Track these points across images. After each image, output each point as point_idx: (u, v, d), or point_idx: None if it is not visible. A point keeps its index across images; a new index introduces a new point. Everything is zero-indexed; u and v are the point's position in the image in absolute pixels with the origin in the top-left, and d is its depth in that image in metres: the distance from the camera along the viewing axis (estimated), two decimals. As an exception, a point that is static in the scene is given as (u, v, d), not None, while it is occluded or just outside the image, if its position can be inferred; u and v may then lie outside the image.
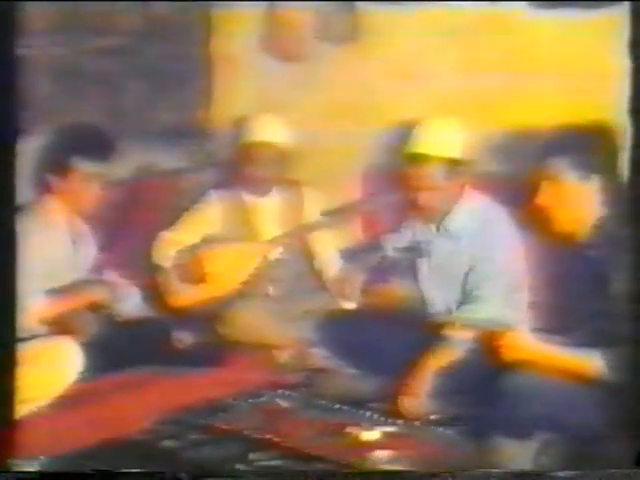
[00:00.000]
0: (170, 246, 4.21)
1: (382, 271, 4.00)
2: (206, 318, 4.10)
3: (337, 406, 3.81)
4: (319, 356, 3.99)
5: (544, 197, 3.39)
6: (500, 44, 4.06)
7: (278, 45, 4.47)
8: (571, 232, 3.37)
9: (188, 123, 4.49)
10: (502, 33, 4.06)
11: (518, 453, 3.25)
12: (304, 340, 4.03)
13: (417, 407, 3.64)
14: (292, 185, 4.30)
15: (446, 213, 3.83)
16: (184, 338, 4.02)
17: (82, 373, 3.57)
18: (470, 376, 3.52)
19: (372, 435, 3.54)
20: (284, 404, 3.83)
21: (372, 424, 3.62)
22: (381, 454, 3.43)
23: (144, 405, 3.65)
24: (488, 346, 3.40)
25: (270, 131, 4.22)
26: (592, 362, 3.21)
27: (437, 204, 3.81)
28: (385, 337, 3.81)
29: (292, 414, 3.76)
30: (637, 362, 3.27)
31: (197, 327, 4.07)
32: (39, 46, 3.84)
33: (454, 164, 3.77)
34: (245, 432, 3.57)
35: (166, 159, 4.42)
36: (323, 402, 3.84)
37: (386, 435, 3.56)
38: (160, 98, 4.42)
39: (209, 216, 4.28)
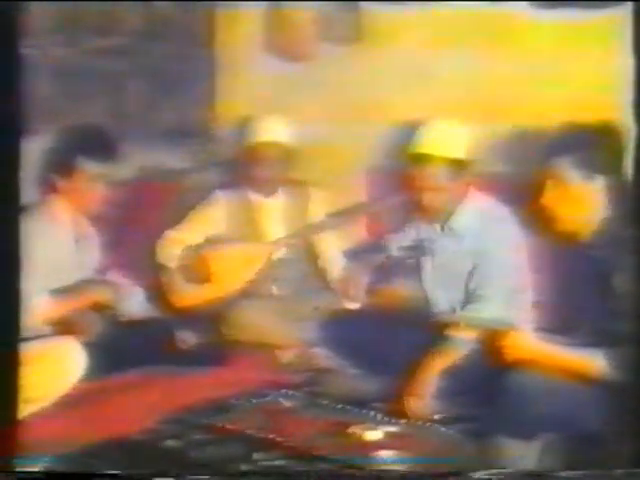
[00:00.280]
0: (174, 246, 4.21)
1: (386, 271, 4.00)
2: (210, 318, 4.10)
3: (340, 406, 3.80)
4: (323, 356, 3.99)
5: (548, 197, 3.38)
6: (503, 44, 4.06)
7: (282, 45, 4.47)
8: (575, 232, 3.36)
9: (192, 123, 4.50)
10: (505, 33, 4.06)
11: (521, 453, 3.25)
12: (308, 340, 4.03)
13: (420, 407, 3.63)
14: (297, 185, 4.30)
15: (450, 213, 3.82)
16: (188, 338, 4.02)
17: (86, 373, 3.57)
18: (473, 376, 3.51)
19: (375, 435, 3.53)
20: (287, 404, 3.82)
21: (375, 424, 3.62)
22: (384, 454, 3.43)
23: (147, 405, 3.65)
24: (491, 346, 3.39)
25: (275, 131, 4.22)
26: (595, 362, 3.20)
27: (441, 204, 3.81)
28: (389, 337, 3.80)
29: (295, 414, 3.76)
30: (640, 362, 3.27)
31: (201, 327, 4.07)
32: (42, 46, 3.85)
33: (458, 164, 3.77)
34: (248, 432, 3.57)
35: (170, 159, 4.42)
36: (326, 402, 3.84)
37: (389, 435, 3.55)
38: (164, 98, 4.43)
39: (214, 216, 4.28)
